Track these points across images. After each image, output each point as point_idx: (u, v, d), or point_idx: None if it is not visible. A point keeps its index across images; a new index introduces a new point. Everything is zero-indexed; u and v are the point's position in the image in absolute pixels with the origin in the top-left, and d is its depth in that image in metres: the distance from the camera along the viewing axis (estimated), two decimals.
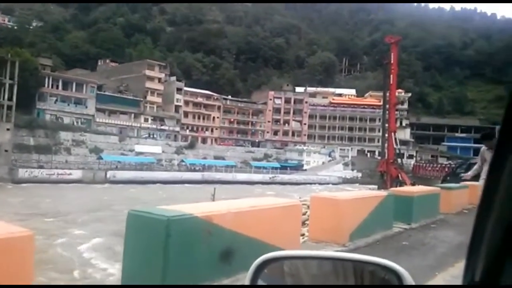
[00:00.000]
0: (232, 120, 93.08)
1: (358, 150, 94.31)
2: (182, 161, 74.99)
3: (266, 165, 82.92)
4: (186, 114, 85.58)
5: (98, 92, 74.11)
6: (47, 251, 17.92)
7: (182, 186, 56.38)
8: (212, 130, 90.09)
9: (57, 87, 70.09)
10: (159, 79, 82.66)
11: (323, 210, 6.58)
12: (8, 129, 54.24)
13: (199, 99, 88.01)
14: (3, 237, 2.78)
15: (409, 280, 1.00)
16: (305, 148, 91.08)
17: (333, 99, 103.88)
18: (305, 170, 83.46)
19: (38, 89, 66.05)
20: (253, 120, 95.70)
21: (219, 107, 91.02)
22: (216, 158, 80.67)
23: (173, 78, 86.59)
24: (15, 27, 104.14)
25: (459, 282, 0.79)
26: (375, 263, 1.07)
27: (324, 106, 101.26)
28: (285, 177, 76.22)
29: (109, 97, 75.39)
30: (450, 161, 48.78)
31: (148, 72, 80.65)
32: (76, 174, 57.03)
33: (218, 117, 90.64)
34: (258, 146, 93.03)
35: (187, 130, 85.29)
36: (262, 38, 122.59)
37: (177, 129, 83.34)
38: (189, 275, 3.85)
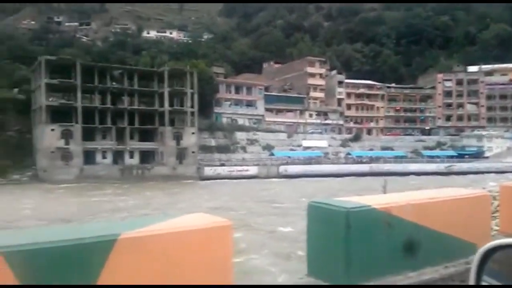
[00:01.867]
0: (397, 108, 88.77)
1: None
2: (348, 153, 74.55)
3: (440, 153, 76.87)
4: (348, 107, 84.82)
5: (266, 93, 78.70)
6: None
7: (351, 179, 56.20)
8: (376, 121, 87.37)
9: (230, 92, 76.44)
10: (320, 75, 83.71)
11: None
12: (193, 133, 61.44)
13: (361, 90, 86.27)
14: (206, 227, 3.12)
15: None
16: (485, 133, 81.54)
17: None
18: (487, 157, 74.73)
19: (214, 95, 73.04)
20: (421, 106, 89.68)
21: (382, 96, 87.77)
22: (383, 149, 78.05)
23: (334, 72, 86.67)
24: (189, 41, 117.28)
25: None
26: None
27: (504, 84, 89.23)
28: (464, 165, 69.25)
29: (275, 97, 79.51)
30: None
31: (309, 69, 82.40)
32: (252, 170, 61.37)
33: (382, 107, 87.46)
34: (429, 134, 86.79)
35: (351, 123, 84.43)
36: (424, 19, 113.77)
37: (341, 122, 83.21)
38: (371, 266, 3.86)
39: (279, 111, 79.57)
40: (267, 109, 78.11)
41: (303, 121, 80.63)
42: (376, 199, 4.30)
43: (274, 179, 57.18)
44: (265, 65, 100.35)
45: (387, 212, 3.89)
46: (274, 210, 30.15)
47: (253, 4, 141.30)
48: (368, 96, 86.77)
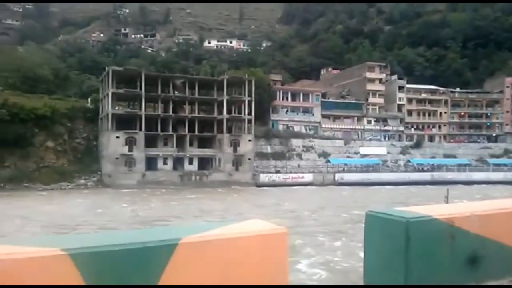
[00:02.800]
0: (462, 114, 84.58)
1: None
2: (409, 161, 72.03)
3: (508, 161, 72.30)
4: (409, 112, 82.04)
5: (322, 99, 77.99)
6: None
7: (411, 187, 54.31)
8: (439, 127, 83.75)
9: (287, 99, 76.46)
10: (380, 80, 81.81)
11: None
12: (249, 140, 62.16)
13: (423, 95, 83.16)
14: (262, 233, 3.17)
15: None
16: None
17: None
18: None
19: (271, 102, 73.49)
20: (487, 112, 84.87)
21: (446, 101, 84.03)
22: (446, 156, 74.59)
23: (394, 77, 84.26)
24: (249, 50, 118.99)
25: None
26: None
27: None
28: None
29: (332, 103, 78.59)
30: None
31: (368, 75, 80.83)
32: (308, 177, 61.11)
33: (445, 112, 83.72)
34: (496, 141, 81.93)
35: (412, 129, 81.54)
36: (492, 20, 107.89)
37: (401, 128, 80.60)
38: (431, 279, 3.73)
39: (336, 117, 78.47)
40: (324, 116, 77.28)
41: (361, 127, 78.98)
42: (438, 209, 4.15)
43: (334, 186, 56.75)
44: (323, 72, 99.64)
45: (449, 223, 3.76)
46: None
47: (312, 10, 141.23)
48: (431, 101, 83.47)
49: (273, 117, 74.51)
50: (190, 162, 60.14)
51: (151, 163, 57.90)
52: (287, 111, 75.97)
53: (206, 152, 61.21)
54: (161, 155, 58.98)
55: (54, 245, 2.38)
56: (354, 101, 79.93)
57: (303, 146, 71.63)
